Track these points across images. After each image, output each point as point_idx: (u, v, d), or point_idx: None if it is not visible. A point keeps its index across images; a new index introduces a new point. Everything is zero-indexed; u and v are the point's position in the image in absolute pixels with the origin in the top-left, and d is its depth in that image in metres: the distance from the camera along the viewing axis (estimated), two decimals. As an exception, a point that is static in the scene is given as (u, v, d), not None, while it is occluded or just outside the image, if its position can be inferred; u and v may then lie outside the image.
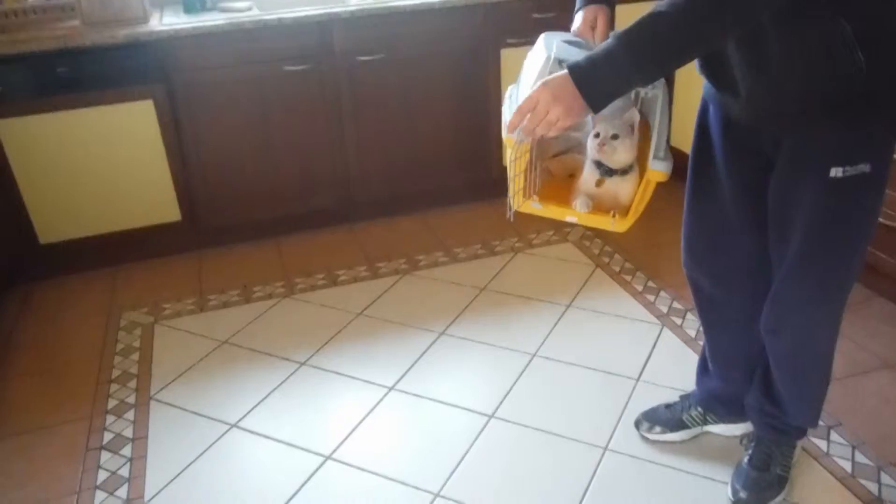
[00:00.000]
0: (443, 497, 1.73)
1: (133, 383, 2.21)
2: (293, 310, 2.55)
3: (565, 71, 1.15)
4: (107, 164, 2.73)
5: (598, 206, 1.36)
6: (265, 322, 2.49)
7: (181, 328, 2.48)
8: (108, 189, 2.78)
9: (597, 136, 1.32)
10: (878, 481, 1.70)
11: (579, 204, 1.34)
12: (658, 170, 1.24)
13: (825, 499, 1.66)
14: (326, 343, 2.34)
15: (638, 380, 2.09)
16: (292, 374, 2.21)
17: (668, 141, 1.28)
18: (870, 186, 1.29)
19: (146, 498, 1.78)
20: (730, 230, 1.52)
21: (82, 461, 1.92)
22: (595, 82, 1.14)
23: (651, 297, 2.49)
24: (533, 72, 1.33)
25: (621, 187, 1.34)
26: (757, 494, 1.64)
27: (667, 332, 2.29)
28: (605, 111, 1.21)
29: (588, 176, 1.36)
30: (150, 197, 2.84)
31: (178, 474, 1.85)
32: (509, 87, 1.43)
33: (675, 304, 2.43)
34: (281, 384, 2.16)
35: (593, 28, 1.40)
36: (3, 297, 2.70)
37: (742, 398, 1.74)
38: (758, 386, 1.66)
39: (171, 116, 2.72)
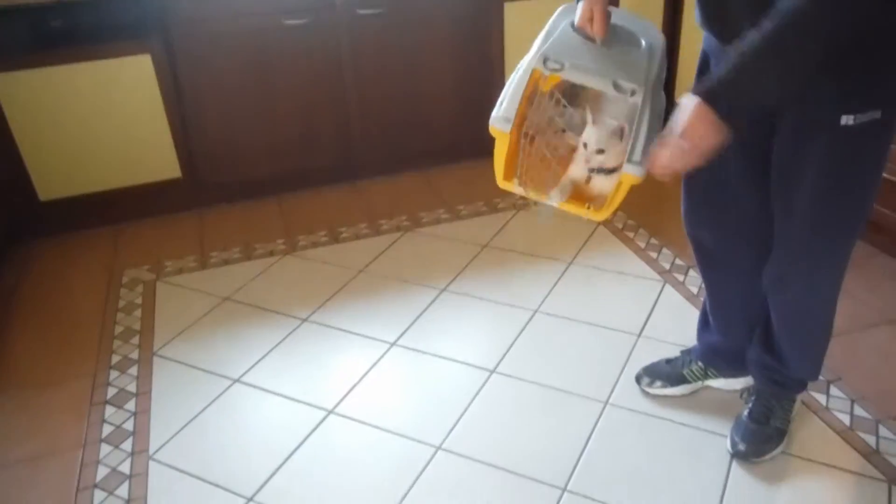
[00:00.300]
0: (444, 450, 1.75)
1: (136, 339, 2.22)
2: (295, 267, 2.55)
3: (697, 100, 1.14)
4: (105, 119, 2.71)
5: (583, 192, 1.36)
6: (267, 279, 2.49)
7: (183, 285, 2.48)
8: (107, 145, 2.76)
9: (584, 146, 1.29)
10: (877, 434, 1.71)
11: (555, 194, 1.34)
12: (631, 173, 1.23)
13: (823, 451, 1.68)
14: (328, 300, 2.34)
15: (639, 336, 2.09)
16: (294, 330, 2.21)
17: (647, 145, 1.23)
18: (881, 132, 1.27)
19: (151, 451, 1.80)
20: (729, 185, 1.50)
21: (87, 415, 1.94)
22: (734, 102, 1.14)
23: (653, 254, 2.48)
24: (524, 61, 1.31)
25: (605, 183, 1.32)
26: (756, 447, 1.65)
27: (668, 289, 2.29)
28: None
29: (577, 167, 1.35)
30: (150, 153, 2.82)
31: (182, 428, 1.87)
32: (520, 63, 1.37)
33: (678, 261, 2.43)
34: (283, 340, 2.17)
35: (591, 20, 1.35)
36: (5, 254, 2.70)
37: (742, 352, 1.74)
38: (759, 340, 1.67)
39: (170, 70, 2.68)
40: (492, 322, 2.20)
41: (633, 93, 1.22)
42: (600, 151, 1.27)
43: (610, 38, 1.31)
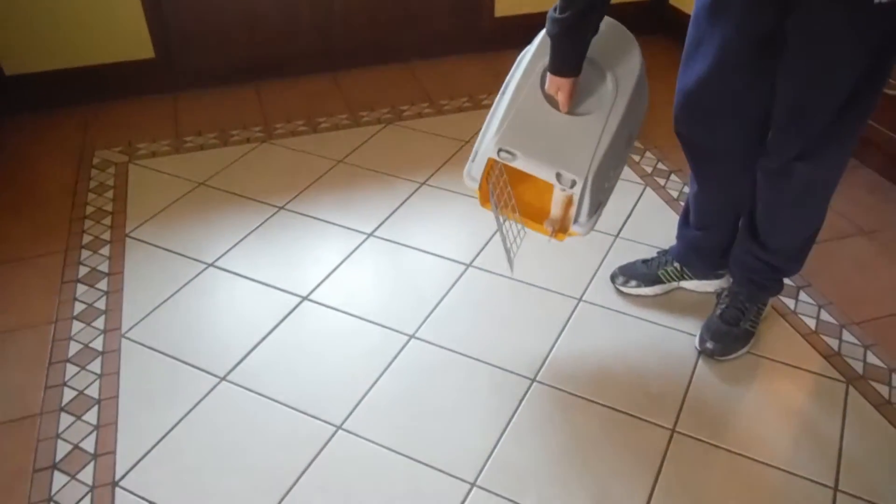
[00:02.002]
0: (418, 339, 1.77)
1: (108, 220, 2.18)
2: (272, 155, 2.49)
3: None
4: (72, -10, 2.56)
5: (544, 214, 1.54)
6: (243, 165, 2.43)
7: (156, 168, 2.42)
8: (75, 19, 2.61)
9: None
10: (839, 338, 1.76)
11: (547, 225, 1.53)
12: (576, 231, 1.47)
13: (787, 352, 1.72)
14: (305, 189, 2.30)
15: (616, 236, 2.09)
16: (270, 217, 2.18)
17: (589, 209, 1.41)
18: None
19: (123, 329, 1.80)
20: (734, 78, 1.42)
21: (58, 293, 1.92)
22: None
23: (636, 157, 2.45)
24: (502, 104, 1.43)
25: (572, 211, 1.47)
26: (724, 346, 1.68)
27: (649, 192, 2.28)
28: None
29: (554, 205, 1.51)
30: (121, 30, 2.68)
31: (155, 308, 1.86)
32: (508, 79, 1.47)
33: (660, 165, 2.41)
34: (258, 227, 2.14)
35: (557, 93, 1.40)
36: (-30, 129, 2.61)
37: (720, 251, 1.75)
38: (745, 233, 1.66)
39: (141, -60, 2.53)
40: (470, 218, 2.19)
41: (572, 184, 1.37)
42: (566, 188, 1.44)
43: (579, 90, 1.40)
